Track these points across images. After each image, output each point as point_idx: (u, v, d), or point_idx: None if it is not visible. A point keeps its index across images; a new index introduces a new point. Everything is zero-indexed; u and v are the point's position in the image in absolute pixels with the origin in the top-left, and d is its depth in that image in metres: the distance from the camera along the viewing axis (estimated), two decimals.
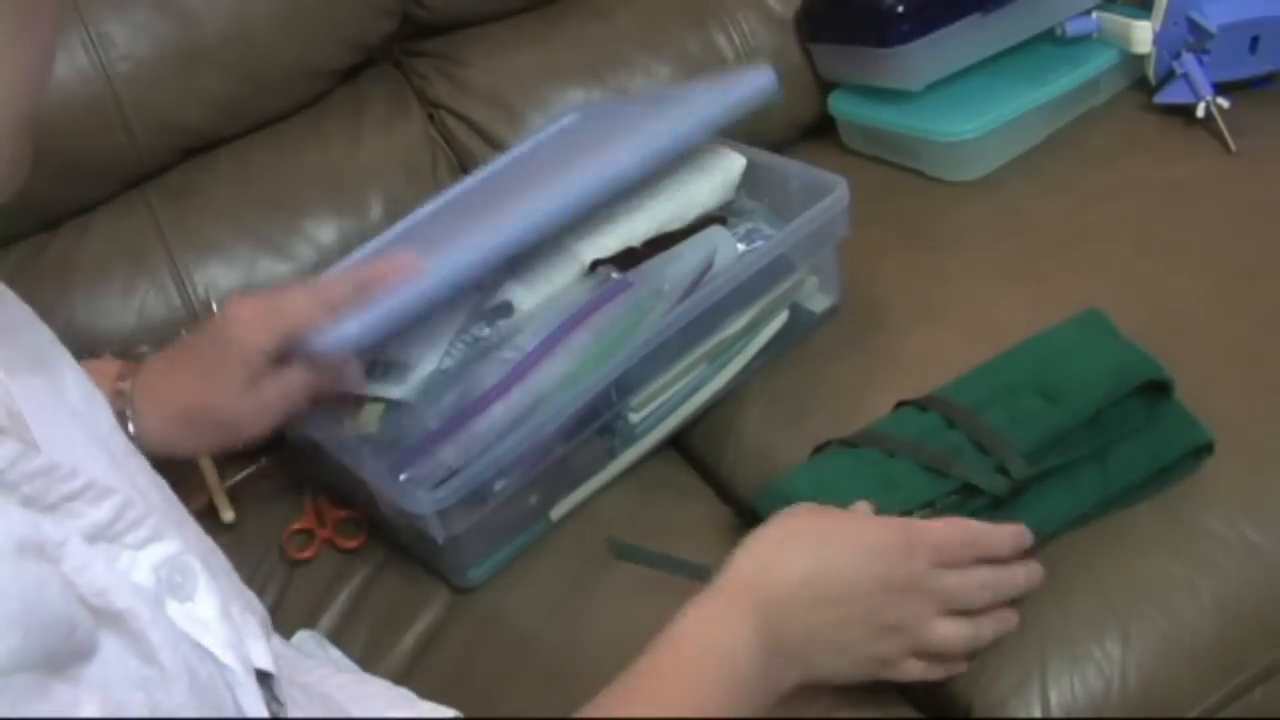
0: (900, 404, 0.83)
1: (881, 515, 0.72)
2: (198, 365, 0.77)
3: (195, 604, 0.48)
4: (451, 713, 0.65)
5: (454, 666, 0.81)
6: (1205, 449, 0.79)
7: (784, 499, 0.78)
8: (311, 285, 0.79)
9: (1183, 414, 0.79)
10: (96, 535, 0.45)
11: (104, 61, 1.01)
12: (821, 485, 0.77)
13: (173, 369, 0.77)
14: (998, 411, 0.78)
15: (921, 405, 0.81)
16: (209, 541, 0.56)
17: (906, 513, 0.74)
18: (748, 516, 0.80)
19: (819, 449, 0.82)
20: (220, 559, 0.56)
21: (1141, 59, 1.13)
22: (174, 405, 0.76)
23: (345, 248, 1.03)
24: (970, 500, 0.75)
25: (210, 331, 0.77)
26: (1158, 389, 0.79)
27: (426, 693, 0.78)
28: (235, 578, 0.56)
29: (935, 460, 0.75)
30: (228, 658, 0.47)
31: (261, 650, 0.51)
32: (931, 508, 0.75)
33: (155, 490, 0.54)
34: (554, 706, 0.75)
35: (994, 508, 0.75)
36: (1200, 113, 1.08)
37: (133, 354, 0.83)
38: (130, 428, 0.74)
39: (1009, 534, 0.69)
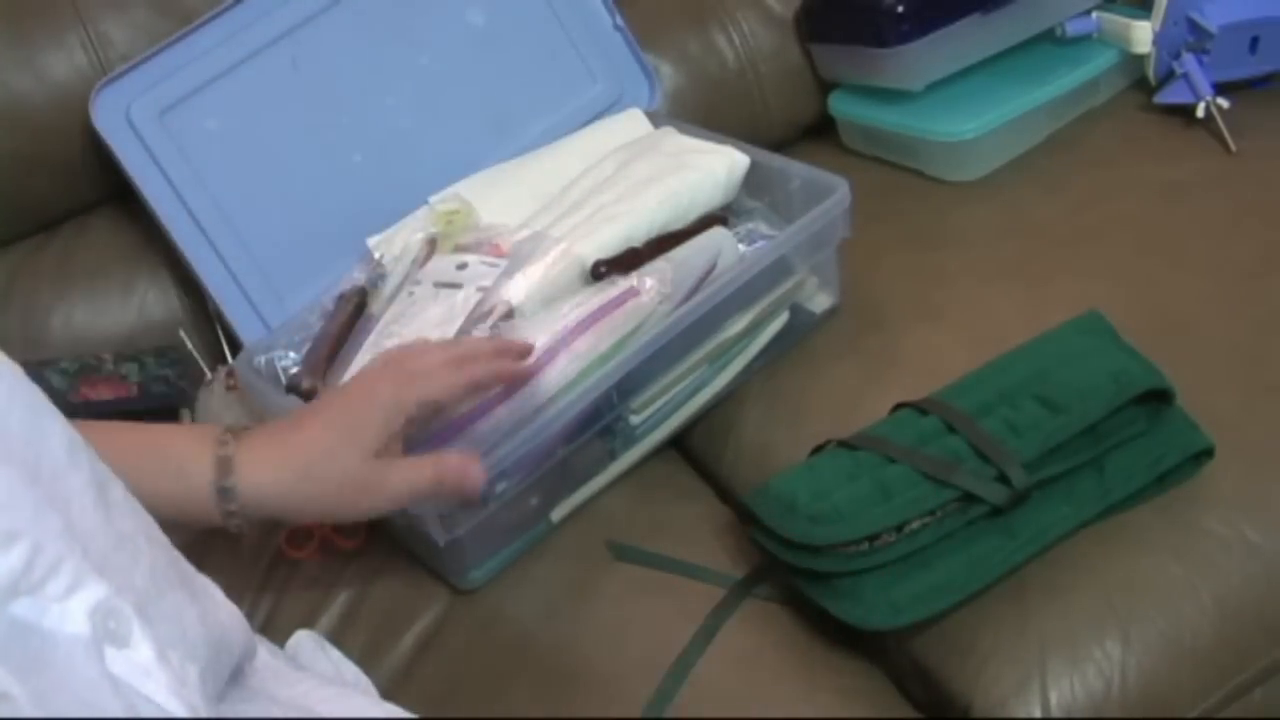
0: (899, 406, 0.83)
1: (878, 523, 0.73)
2: (328, 419, 0.70)
3: (132, 649, 0.46)
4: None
5: (454, 667, 0.81)
6: (1205, 454, 0.79)
7: (779, 500, 0.78)
8: (448, 349, 0.75)
9: (1183, 420, 0.79)
10: (15, 588, 0.42)
11: (103, 61, 1.01)
12: (817, 488, 0.77)
13: (299, 424, 0.71)
14: (997, 418, 0.78)
15: (921, 409, 0.81)
16: (167, 580, 0.51)
17: (905, 522, 0.74)
18: (745, 516, 0.81)
19: (817, 449, 0.82)
20: (171, 600, 0.51)
21: (1141, 59, 1.13)
22: (296, 459, 0.69)
23: None
24: (970, 509, 0.75)
25: (343, 392, 0.73)
26: (1158, 397, 0.79)
27: (426, 693, 0.78)
28: (191, 619, 0.52)
29: (935, 468, 0.75)
30: (172, 704, 0.45)
31: (200, 705, 0.48)
32: (932, 516, 0.75)
33: (90, 531, 0.48)
34: (554, 707, 0.76)
35: (993, 517, 0.76)
36: (1200, 113, 1.08)
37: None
38: (231, 482, 0.67)
39: None
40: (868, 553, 0.74)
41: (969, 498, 0.75)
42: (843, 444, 0.81)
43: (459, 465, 0.71)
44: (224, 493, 0.67)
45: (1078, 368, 0.80)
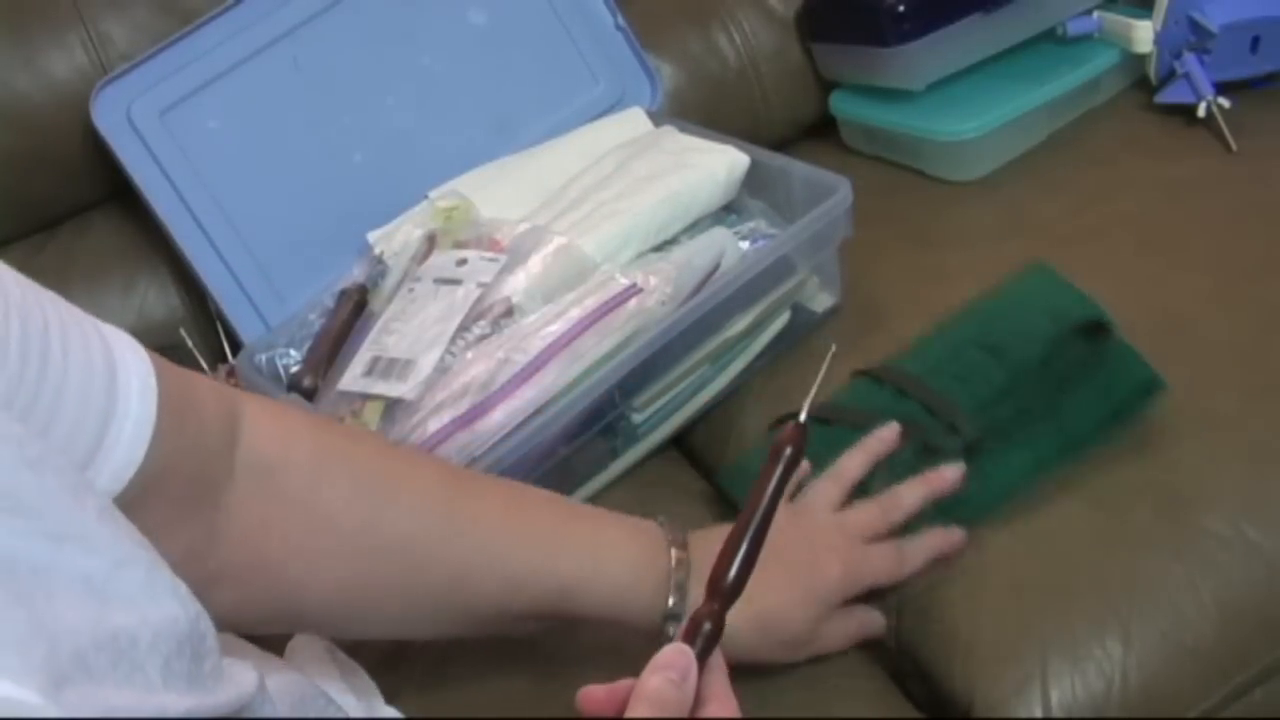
0: (856, 374, 0.86)
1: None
2: (792, 575, 0.68)
3: None
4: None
5: (454, 667, 0.81)
6: (1156, 386, 0.80)
7: (749, 476, 0.79)
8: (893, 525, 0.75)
9: (1130, 355, 0.80)
10: None
11: (104, 61, 1.01)
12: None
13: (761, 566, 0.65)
14: (947, 375, 0.81)
15: (876, 376, 0.84)
16: (155, 682, 0.44)
17: (869, 484, 0.77)
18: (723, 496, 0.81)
19: (778, 422, 0.84)
20: (160, 700, 0.44)
21: (1142, 59, 1.13)
22: (754, 604, 0.59)
23: None
24: (930, 463, 0.77)
25: (804, 546, 0.70)
26: (1101, 332, 0.80)
27: (426, 693, 0.78)
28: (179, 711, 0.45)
29: None
30: None
31: None
32: (891, 473, 0.77)
33: (70, 630, 0.42)
34: (552, 706, 0.75)
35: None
36: (1201, 112, 1.08)
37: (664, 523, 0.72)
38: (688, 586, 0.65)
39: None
40: None
41: (929, 453, 0.77)
42: (817, 420, 0.83)
43: (877, 620, 0.75)
44: (680, 589, 0.64)
45: (1019, 313, 0.82)
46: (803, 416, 0.56)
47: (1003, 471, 0.78)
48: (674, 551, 0.66)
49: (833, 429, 0.81)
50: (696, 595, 0.62)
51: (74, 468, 0.49)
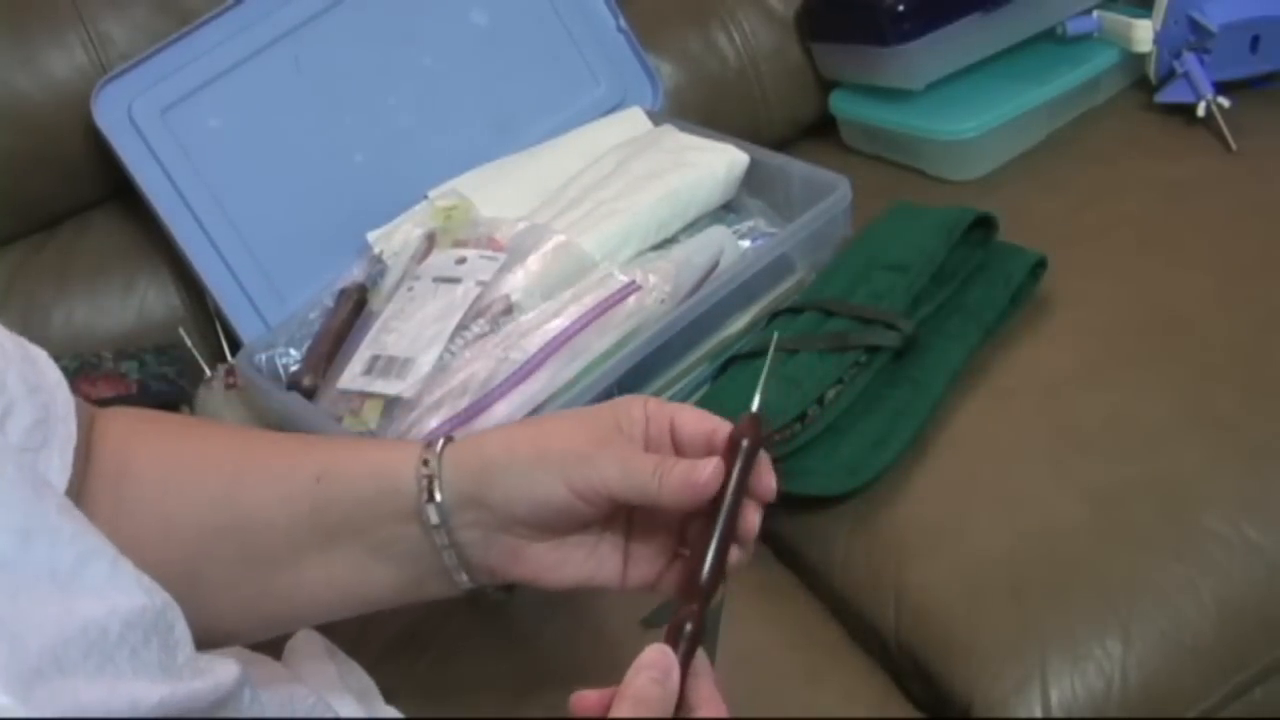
0: (774, 315, 0.90)
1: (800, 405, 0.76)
2: (572, 417, 0.60)
3: None
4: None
5: (454, 667, 0.81)
6: (1040, 265, 0.90)
7: None
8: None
9: (1009, 246, 0.91)
10: None
11: (104, 60, 1.01)
12: (728, 408, 0.80)
13: (534, 420, 0.63)
14: (861, 294, 0.87)
15: (794, 310, 0.89)
16: (130, 665, 0.44)
17: (821, 395, 0.81)
18: None
19: (723, 368, 0.88)
20: (130, 688, 0.43)
21: (1142, 58, 1.13)
22: (525, 428, 0.60)
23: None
24: (873, 363, 0.83)
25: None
26: (983, 229, 0.90)
27: (426, 693, 0.78)
28: (153, 700, 0.44)
29: (830, 342, 0.83)
30: None
31: None
32: (841, 384, 0.82)
33: (37, 625, 0.41)
34: (552, 707, 0.75)
35: (895, 371, 0.84)
36: (1201, 112, 1.08)
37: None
38: (437, 493, 0.58)
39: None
40: (800, 431, 0.80)
41: (869, 356, 0.83)
42: (739, 358, 0.88)
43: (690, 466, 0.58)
44: (426, 464, 0.58)
45: (907, 236, 0.90)
46: (754, 407, 0.56)
47: (939, 366, 0.84)
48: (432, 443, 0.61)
49: (758, 362, 0.85)
50: (457, 482, 0.58)
51: (31, 464, 0.49)
